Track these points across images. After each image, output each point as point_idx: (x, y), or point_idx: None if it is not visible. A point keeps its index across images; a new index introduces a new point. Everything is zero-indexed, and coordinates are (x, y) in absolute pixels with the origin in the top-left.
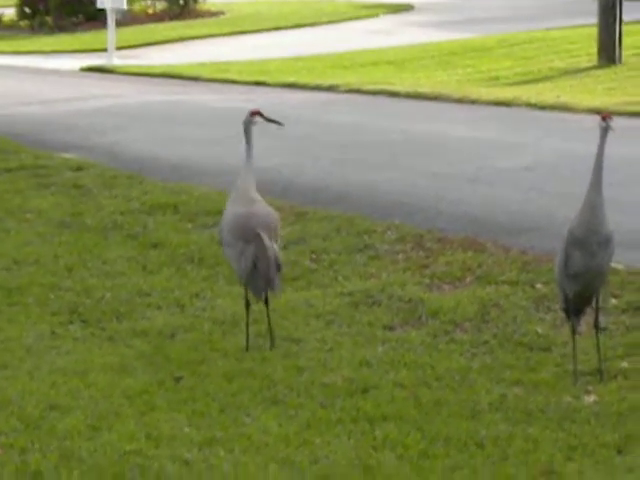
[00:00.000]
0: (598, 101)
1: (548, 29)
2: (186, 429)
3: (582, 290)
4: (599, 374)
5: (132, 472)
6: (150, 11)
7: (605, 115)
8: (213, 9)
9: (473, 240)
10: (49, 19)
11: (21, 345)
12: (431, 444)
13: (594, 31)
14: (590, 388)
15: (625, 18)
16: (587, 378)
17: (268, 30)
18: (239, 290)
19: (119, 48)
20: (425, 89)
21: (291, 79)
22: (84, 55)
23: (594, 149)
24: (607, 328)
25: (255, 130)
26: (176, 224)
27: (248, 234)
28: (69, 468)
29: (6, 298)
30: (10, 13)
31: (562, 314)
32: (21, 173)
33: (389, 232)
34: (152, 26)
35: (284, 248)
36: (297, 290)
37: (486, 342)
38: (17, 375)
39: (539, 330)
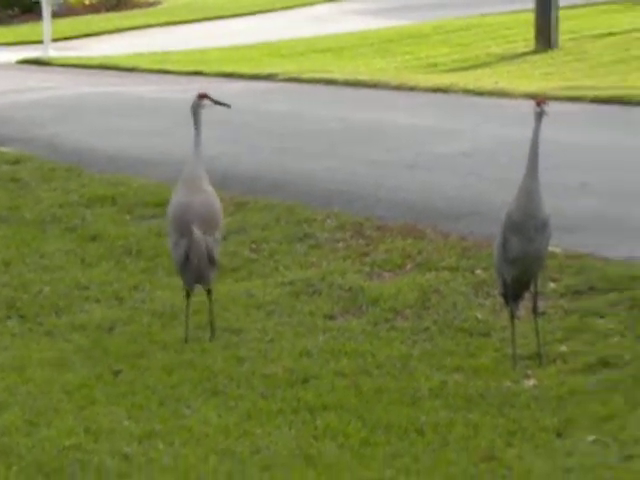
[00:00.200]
0: (535, 86)
1: (484, 15)
2: (125, 422)
3: (520, 275)
4: (538, 358)
5: (71, 467)
6: (87, 2)
7: (540, 100)
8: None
9: (413, 227)
10: None
11: None
12: (372, 432)
13: (530, 16)
14: (529, 372)
15: (561, 3)
16: (526, 362)
17: (206, 20)
18: (179, 282)
19: (55, 40)
20: (364, 77)
21: (229, 68)
22: (20, 47)
23: (531, 134)
24: (546, 312)
25: (192, 120)
26: (114, 216)
27: (182, 227)
28: (7, 464)
29: None
30: None
31: (501, 299)
32: None
33: (329, 220)
34: (89, 17)
35: (224, 239)
36: (237, 280)
37: (426, 329)
38: None
39: (479, 316)
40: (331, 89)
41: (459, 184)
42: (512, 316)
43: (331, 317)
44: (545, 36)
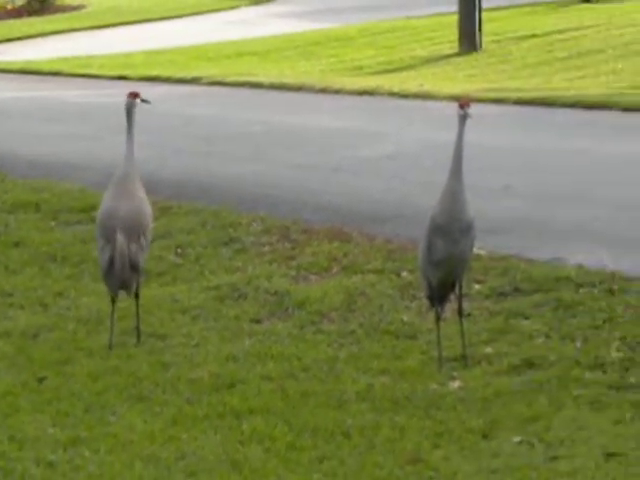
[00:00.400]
0: (459, 88)
1: (409, 17)
2: (50, 430)
3: (445, 277)
4: (464, 360)
5: None
6: (9, 7)
7: (463, 103)
8: (74, 3)
9: (339, 230)
10: None
11: None
12: (298, 436)
13: (455, 19)
14: (455, 374)
15: (484, 5)
16: (452, 364)
17: (130, 23)
18: (104, 288)
19: None
20: (288, 80)
21: (154, 72)
22: None
23: (455, 137)
24: (471, 314)
25: (117, 124)
26: (38, 222)
27: (107, 233)
28: None
29: None
30: None
31: (426, 302)
32: None
33: (254, 224)
34: (11, 22)
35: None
36: (162, 285)
37: (353, 332)
38: None
39: (405, 318)
40: (256, 92)
41: (384, 187)
42: (438, 318)
43: (257, 321)
44: (469, 38)
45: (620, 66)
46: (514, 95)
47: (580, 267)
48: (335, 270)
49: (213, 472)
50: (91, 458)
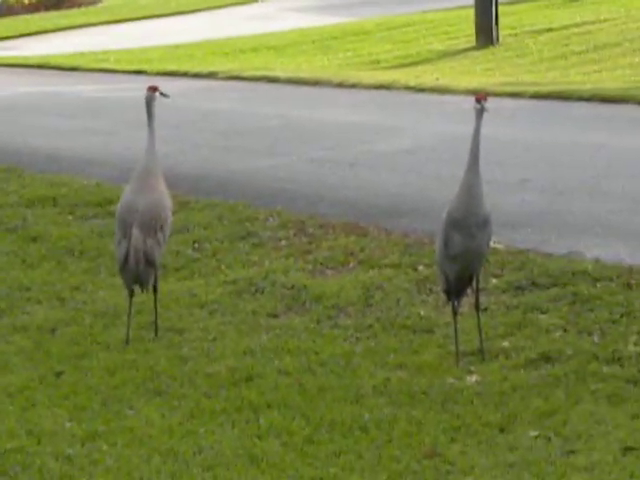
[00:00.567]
0: (476, 82)
1: (426, 12)
2: (68, 424)
3: (462, 271)
4: (481, 354)
5: (14, 470)
6: (26, 2)
7: (480, 96)
8: None
9: (355, 224)
10: None
11: None
12: (316, 430)
13: (471, 12)
14: (472, 368)
15: None
16: (469, 358)
17: (147, 18)
18: (121, 281)
19: None
20: (305, 74)
21: (171, 67)
22: None
23: (472, 130)
24: (488, 308)
25: (134, 119)
26: (56, 217)
27: (125, 227)
28: None
29: None
30: None
31: (443, 296)
32: None
33: (271, 219)
34: (28, 17)
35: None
36: (180, 280)
37: (370, 326)
38: None
39: (421, 312)
40: (273, 87)
41: (400, 181)
42: (454, 312)
43: (274, 315)
44: (486, 32)
45: (637, 60)
46: (531, 89)
47: (597, 261)
48: (352, 264)
49: (230, 466)
50: (109, 452)
